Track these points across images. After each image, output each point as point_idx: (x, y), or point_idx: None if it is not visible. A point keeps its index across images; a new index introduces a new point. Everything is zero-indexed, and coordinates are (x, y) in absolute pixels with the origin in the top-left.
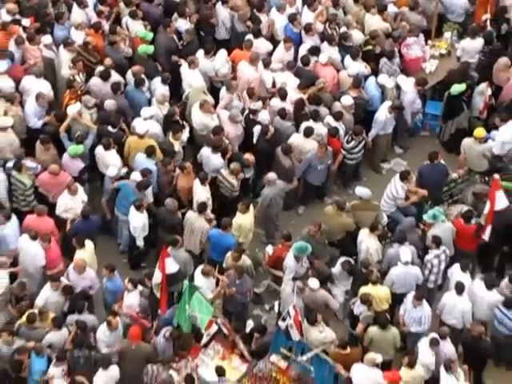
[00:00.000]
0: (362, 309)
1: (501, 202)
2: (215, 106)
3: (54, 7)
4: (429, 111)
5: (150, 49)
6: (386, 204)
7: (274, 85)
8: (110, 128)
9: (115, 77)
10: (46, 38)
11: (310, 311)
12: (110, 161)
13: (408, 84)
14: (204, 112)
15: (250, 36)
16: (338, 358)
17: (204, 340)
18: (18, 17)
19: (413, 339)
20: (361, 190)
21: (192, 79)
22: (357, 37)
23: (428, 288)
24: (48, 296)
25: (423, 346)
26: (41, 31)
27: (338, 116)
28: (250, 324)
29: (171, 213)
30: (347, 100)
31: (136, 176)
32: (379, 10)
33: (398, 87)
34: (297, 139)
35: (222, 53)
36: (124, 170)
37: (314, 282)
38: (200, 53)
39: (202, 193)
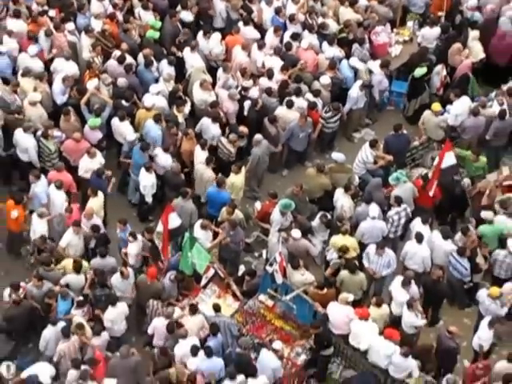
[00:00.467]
0: (333, 256)
1: (448, 160)
2: (213, 84)
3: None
4: (394, 89)
5: (156, 34)
6: (357, 167)
7: (263, 65)
8: (123, 102)
9: (128, 59)
10: (70, 25)
11: (294, 257)
12: (124, 130)
13: (376, 66)
14: (203, 89)
15: (240, 23)
16: (316, 298)
17: (203, 282)
18: (46, 8)
19: (380, 283)
20: (336, 155)
21: (193, 61)
22: (333, 26)
23: (389, 238)
24: (70, 239)
25: (396, 286)
26: (65, 20)
27: (316, 93)
28: (241, 269)
29: (175, 174)
30: (325, 79)
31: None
32: (351, 3)
33: (370, 71)
34: (281, 111)
35: (216, 35)
36: (137, 135)
37: (296, 233)
38: (199, 34)
39: (202, 156)
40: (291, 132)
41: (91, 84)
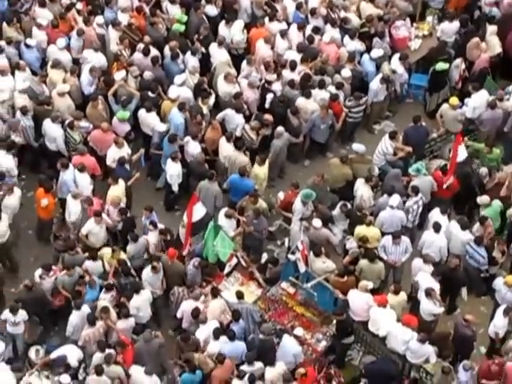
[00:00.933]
0: (352, 245)
1: (462, 153)
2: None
3: None
4: (413, 82)
5: (182, 28)
6: (377, 158)
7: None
8: (150, 93)
9: (153, 51)
10: (99, 19)
11: (315, 245)
12: (151, 121)
13: (396, 61)
14: (228, 82)
15: (265, 18)
16: (337, 285)
17: (226, 270)
18: (74, 1)
19: (398, 270)
20: (357, 146)
21: (219, 55)
22: (354, 20)
23: (408, 228)
24: (91, 228)
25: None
26: (92, 13)
27: (339, 85)
28: (264, 256)
29: (200, 163)
30: (346, 72)
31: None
32: None
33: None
34: (301, 101)
35: (239, 22)
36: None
37: (317, 222)
38: (222, 22)
39: (227, 149)
40: (313, 123)
41: (119, 75)
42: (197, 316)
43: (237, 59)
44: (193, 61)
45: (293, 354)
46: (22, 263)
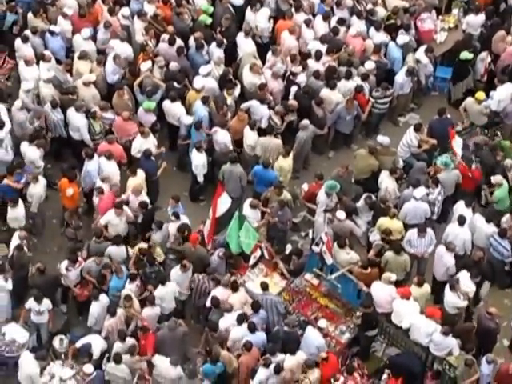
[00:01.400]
0: (375, 237)
1: (459, 146)
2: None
3: None
4: (439, 75)
5: (208, 20)
6: (402, 151)
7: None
8: (175, 84)
9: (177, 41)
10: (125, 10)
11: (339, 237)
12: (176, 111)
13: (421, 53)
14: (253, 73)
15: (292, 10)
16: (360, 277)
17: (251, 262)
18: None
19: (423, 263)
20: (382, 138)
21: (245, 45)
22: (381, 12)
23: (432, 219)
24: (111, 219)
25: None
26: (117, 3)
27: (364, 77)
28: (288, 248)
29: (224, 154)
30: (369, 65)
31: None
32: None
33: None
34: (325, 92)
35: (265, 10)
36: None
37: (341, 214)
38: (248, 8)
39: (251, 137)
40: (338, 115)
41: (145, 66)
42: (217, 305)
43: (262, 48)
44: (218, 52)
45: (316, 346)
46: (46, 252)
